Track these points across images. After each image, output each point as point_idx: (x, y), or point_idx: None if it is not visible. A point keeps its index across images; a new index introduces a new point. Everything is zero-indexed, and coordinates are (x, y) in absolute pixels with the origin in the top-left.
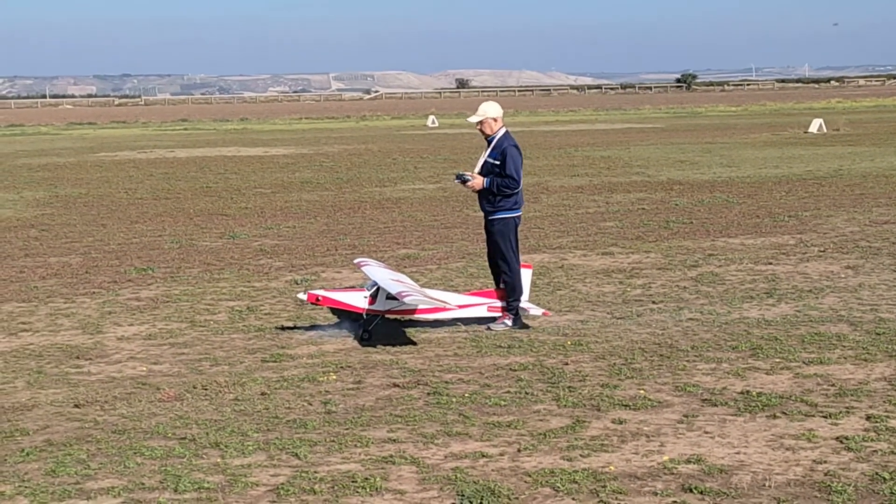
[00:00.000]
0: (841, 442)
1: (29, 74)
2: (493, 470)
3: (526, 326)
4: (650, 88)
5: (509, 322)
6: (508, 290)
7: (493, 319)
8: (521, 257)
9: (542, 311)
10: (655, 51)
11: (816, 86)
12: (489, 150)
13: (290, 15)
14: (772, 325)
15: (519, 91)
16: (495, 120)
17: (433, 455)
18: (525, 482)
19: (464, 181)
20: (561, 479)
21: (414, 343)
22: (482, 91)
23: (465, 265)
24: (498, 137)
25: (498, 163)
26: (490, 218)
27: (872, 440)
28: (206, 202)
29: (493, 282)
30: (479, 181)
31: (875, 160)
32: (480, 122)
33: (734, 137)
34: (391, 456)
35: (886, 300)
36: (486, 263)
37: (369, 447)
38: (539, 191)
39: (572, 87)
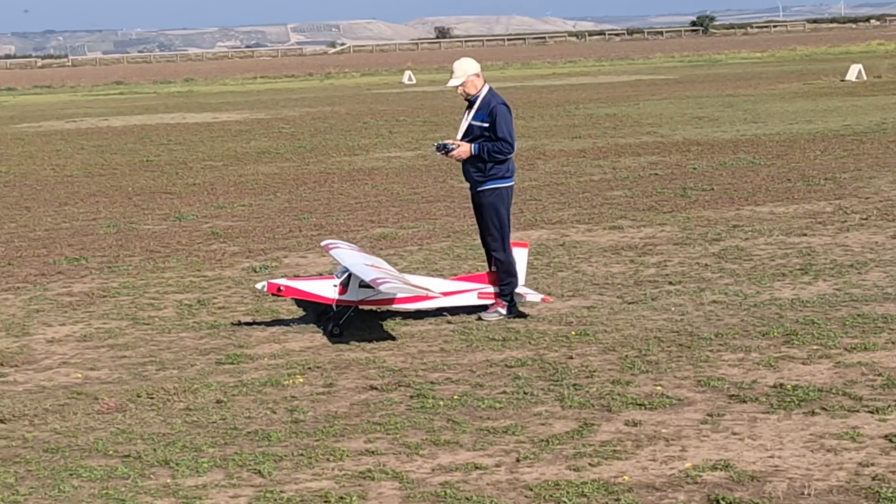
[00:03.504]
0: (890, 441)
1: None
2: (488, 484)
3: (523, 315)
4: (661, 33)
5: (503, 310)
6: (501, 274)
7: (485, 308)
8: (516, 234)
9: (542, 296)
10: None
11: (854, 26)
12: (474, 111)
13: None
14: (808, 306)
15: (508, 40)
16: (477, 76)
17: (418, 468)
18: (526, 497)
19: (446, 151)
20: (567, 492)
21: (393, 338)
22: (465, 41)
23: (451, 245)
24: (483, 96)
25: (486, 125)
26: (479, 189)
27: None
28: (148, 178)
29: (485, 263)
30: (465, 149)
31: None
32: (463, 84)
33: (760, 89)
34: (369, 470)
35: None
36: (477, 243)
37: (344, 461)
38: (535, 156)
39: (570, 34)
